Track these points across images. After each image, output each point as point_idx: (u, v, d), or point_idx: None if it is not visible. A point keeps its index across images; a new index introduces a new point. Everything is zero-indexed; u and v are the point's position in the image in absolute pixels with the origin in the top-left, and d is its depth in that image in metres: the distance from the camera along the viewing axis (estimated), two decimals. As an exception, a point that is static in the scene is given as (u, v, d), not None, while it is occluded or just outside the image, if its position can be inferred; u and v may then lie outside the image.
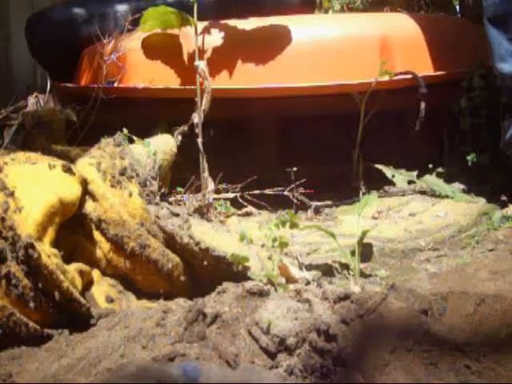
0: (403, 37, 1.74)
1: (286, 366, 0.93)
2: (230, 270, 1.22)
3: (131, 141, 1.45)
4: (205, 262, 1.23)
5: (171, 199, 1.50)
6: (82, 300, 1.11)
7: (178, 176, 1.55)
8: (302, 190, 1.59)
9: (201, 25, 1.63)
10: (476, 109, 1.66)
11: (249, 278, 1.20)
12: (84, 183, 1.23)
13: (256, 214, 1.60)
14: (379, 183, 1.69)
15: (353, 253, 1.28)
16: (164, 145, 1.52)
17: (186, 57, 1.66)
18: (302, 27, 1.73)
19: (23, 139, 1.61)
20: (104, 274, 1.25)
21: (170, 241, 1.25)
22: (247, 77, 1.65)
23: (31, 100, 2.27)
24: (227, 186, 1.59)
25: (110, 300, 1.20)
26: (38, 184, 1.15)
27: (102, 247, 1.24)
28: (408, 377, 0.84)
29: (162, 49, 1.70)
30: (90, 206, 1.24)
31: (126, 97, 1.70)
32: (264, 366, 0.94)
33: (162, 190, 1.42)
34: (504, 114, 1.51)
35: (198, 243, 1.22)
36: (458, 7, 2.77)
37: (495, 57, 1.42)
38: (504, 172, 1.57)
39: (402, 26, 1.79)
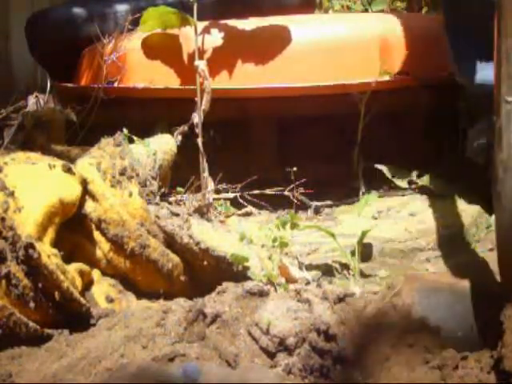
0: (403, 37, 1.74)
1: (284, 366, 0.93)
2: (230, 270, 1.22)
3: (131, 141, 1.45)
4: (205, 262, 1.23)
5: (171, 199, 1.50)
6: (82, 300, 1.11)
7: (177, 176, 1.55)
8: (301, 190, 1.59)
9: (201, 25, 1.63)
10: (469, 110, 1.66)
11: (249, 278, 1.20)
12: (84, 183, 1.23)
13: (256, 214, 1.60)
14: (379, 183, 1.69)
15: (353, 253, 1.28)
16: (164, 145, 1.52)
17: (185, 57, 1.66)
18: (302, 27, 1.73)
19: (23, 139, 1.61)
20: (104, 274, 1.25)
21: (170, 241, 1.25)
22: (247, 77, 1.65)
23: (31, 100, 2.27)
24: (227, 186, 1.59)
25: (110, 300, 1.20)
26: (38, 184, 1.15)
27: (102, 247, 1.24)
28: (410, 373, 0.83)
29: (162, 49, 1.70)
30: (89, 206, 1.24)
31: (126, 97, 1.70)
32: (264, 365, 0.94)
33: (162, 190, 1.42)
34: (471, 121, 1.54)
35: (198, 243, 1.22)
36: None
37: (459, 67, 1.52)
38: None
39: (402, 26, 1.79)
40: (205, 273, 1.25)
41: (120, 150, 1.35)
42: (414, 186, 1.68)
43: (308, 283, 1.24)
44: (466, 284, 0.97)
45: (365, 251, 1.32)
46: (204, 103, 1.54)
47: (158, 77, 1.67)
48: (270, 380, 0.87)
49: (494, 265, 1.25)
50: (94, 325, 1.10)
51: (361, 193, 1.67)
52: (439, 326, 0.90)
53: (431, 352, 0.86)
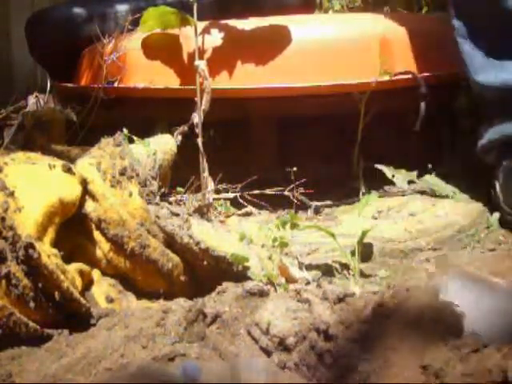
0: (403, 37, 1.74)
1: (278, 361, 0.93)
2: (230, 270, 1.22)
3: (131, 141, 1.45)
4: (205, 262, 1.23)
5: (171, 199, 1.50)
6: (82, 300, 1.11)
7: (177, 176, 1.55)
8: (301, 190, 1.59)
9: (201, 25, 1.63)
10: (476, 109, 1.67)
11: (249, 278, 1.20)
12: (84, 183, 1.23)
13: (256, 214, 1.60)
14: (379, 183, 1.69)
15: (353, 253, 1.28)
16: (164, 145, 1.52)
17: (185, 57, 1.66)
18: (301, 27, 1.73)
19: (23, 139, 1.61)
20: (104, 274, 1.25)
21: (170, 241, 1.25)
22: (247, 77, 1.65)
23: (31, 100, 2.27)
24: (227, 186, 1.59)
25: (110, 300, 1.20)
26: (38, 184, 1.15)
27: (102, 247, 1.24)
28: (427, 349, 0.82)
29: (162, 49, 1.70)
30: (89, 206, 1.24)
31: (126, 97, 1.70)
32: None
33: (162, 190, 1.42)
34: (480, 121, 1.56)
35: (197, 243, 1.22)
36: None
37: (470, 70, 1.52)
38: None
39: (402, 26, 1.79)
40: (205, 273, 1.25)
41: (120, 150, 1.35)
42: (413, 186, 1.68)
43: (308, 283, 1.24)
44: (500, 279, 0.97)
45: (365, 251, 1.32)
46: (204, 103, 1.54)
47: (158, 77, 1.67)
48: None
49: (495, 265, 1.26)
50: (94, 325, 1.10)
51: (361, 193, 1.67)
52: (464, 314, 0.89)
53: (452, 334, 0.85)
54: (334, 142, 1.73)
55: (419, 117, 1.67)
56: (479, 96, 1.54)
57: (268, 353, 0.95)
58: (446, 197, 1.60)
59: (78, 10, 2.02)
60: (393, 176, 1.68)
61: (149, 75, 1.68)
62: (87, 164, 1.28)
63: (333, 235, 1.28)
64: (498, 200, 1.49)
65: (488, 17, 1.48)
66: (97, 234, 1.24)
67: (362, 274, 1.28)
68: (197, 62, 1.56)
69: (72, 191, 1.19)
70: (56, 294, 1.07)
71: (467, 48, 1.51)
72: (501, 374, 0.75)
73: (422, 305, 0.88)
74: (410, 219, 1.50)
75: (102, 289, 1.21)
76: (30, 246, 1.04)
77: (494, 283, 0.98)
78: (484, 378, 0.75)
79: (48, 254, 1.08)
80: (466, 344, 0.82)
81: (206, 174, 1.53)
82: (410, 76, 1.68)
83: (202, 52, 1.62)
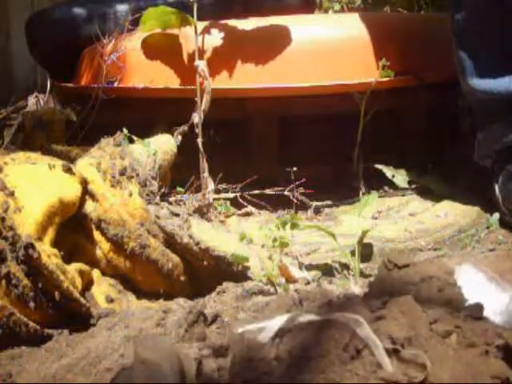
0: (403, 36, 1.74)
1: None
2: (230, 270, 1.22)
3: (131, 141, 1.45)
4: (205, 262, 1.23)
5: (171, 199, 1.50)
6: (82, 300, 1.11)
7: (178, 176, 1.55)
8: (301, 190, 1.59)
9: (201, 25, 1.63)
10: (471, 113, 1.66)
11: (249, 278, 1.20)
12: (84, 183, 1.24)
13: (256, 214, 1.60)
14: (379, 183, 1.69)
15: (353, 253, 1.28)
16: (164, 145, 1.52)
17: (185, 57, 1.66)
18: (301, 27, 1.73)
19: (23, 139, 1.61)
20: (104, 273, 1.25)
21: (170, 241, 1.25)
22: (247, 77, 1.65)
23: (31, 100, 2.27)
24: (227, 186, 1.59)
25: (110, 300, 1.20)
26: (38, 184, 1.15)
27: (102, 247, 1.24)
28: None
29: (162, 49, 1.70)
30: (90, 206, 1.24)
31: (126, 97, 1.70)
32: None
33: (162, 190, 1.42)
34: (477, 126, 1.54)
35: (197, 243, 1.22)
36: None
37: (467, 72, 1.45)
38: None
39: (402, 26, 1.79)
40: (205, 273, 1.25)
41: (120, 150, 1.35)
42: (414, 186, 1.68)
43: (308, 283, 1.24)
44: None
45: (365, 251, 1.32)
46: (204, 103, 1.54)
47: (158, 77, 1.67)
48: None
49: (495, 265, 1.26)
50: (94, 325, 1.10)
51: (361, 193, 1.67)
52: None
53: (454, 304, 0.84)
54: (334, 142, 1.73)
55: (419, 117, 1.67)
56: (475, 101, 1.50)
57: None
58: (446, 197, 1.60)
59: (78, 10, 2.02)
60: (393, 176, 1.68)
61: (149, 75, 1.68)
62: (87, 164, 1.28)
63: (333, 235, 1.28)
64: (498, 202, 1.49)
65: (487, 17, 1.44)
66: (97, 234, 1.24)
67: (362, 274, 1.28)
68: (197, 62, 1.56)
69: (72, 191, 1.19)
70: (56, 294, 1.07)
71: (463, 49, 1.47)
72: (495, 337, 0.74)
73: (430, 274, 0.86)
74: (410, 219, 1.50)
75: (102, 289, 1.21)
76: (30, 245, 1.04)
77: (503, 283, 0.97)
78: (477, 335, 0.75)
79: (48, 253, 1.08)
80: (468, 310, 0.81)
81: (206, 174, 1.53)
82: (410, 76, 1.68)
83: (201, 52, 1.62)
